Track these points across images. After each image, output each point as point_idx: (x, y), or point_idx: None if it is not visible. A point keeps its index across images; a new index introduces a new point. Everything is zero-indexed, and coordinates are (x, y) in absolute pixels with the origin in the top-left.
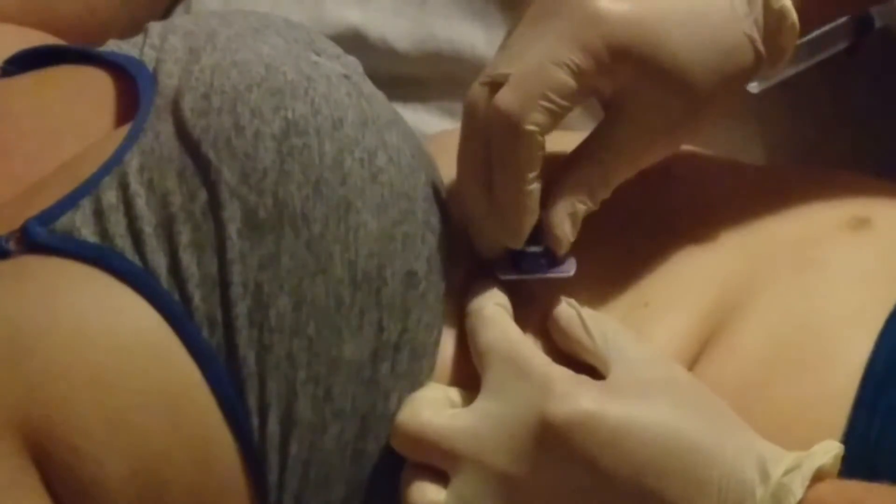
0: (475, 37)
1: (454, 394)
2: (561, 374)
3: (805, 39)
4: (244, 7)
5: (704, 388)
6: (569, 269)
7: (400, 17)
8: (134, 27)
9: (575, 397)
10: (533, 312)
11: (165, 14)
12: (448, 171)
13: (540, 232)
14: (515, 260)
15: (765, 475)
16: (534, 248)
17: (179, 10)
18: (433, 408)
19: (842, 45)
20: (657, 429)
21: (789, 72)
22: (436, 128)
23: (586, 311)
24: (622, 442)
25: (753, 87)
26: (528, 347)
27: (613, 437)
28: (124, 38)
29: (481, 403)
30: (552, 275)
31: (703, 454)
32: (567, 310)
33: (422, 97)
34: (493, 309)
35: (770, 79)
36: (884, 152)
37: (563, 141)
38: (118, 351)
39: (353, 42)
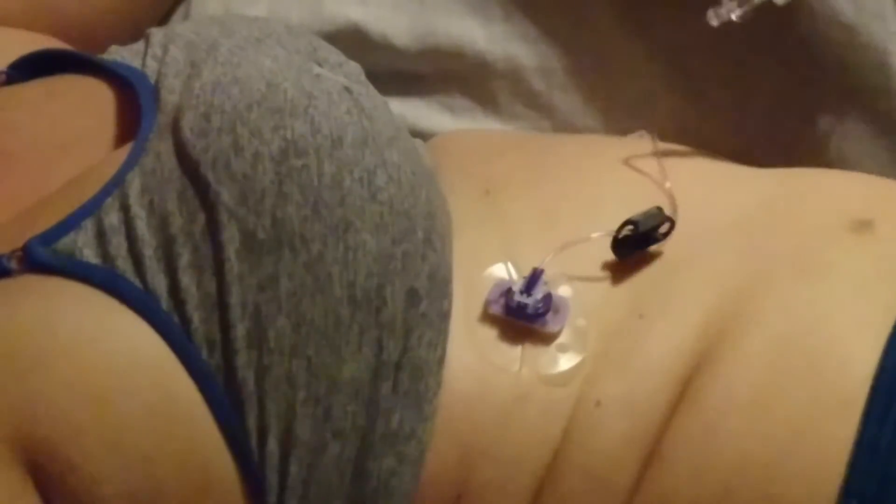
0: (475, 32)
1: None
2: None
3: None
4: (243, 6)
5: None
6: (554, 326)
7: (400, 12)
8: (135, 30)
9: None
10: None
11: (165, 17)
12: (450, 175)
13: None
14: (508, 301)
15: None
16: (529, 299)
17: (179, 12)
18: None
19: None
20: None
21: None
22: (435, 123)
23: None
24: None
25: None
26: None
27: None
28: (126, 43)
29: None
30: (537, 326)
31: None
32: None
33: (421, 92)
34: None
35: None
36: None
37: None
38: (117, 371)
39: (353, 38)
